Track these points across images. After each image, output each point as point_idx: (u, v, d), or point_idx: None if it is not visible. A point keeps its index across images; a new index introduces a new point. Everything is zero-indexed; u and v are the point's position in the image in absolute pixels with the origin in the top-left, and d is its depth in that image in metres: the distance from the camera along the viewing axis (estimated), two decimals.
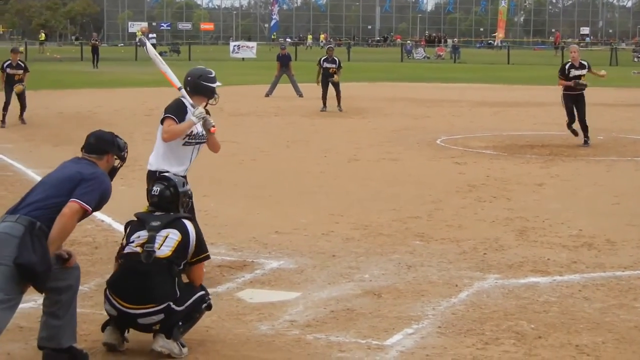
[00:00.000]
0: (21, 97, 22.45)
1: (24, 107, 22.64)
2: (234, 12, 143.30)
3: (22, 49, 72.17)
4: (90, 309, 7.59)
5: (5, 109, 22.29)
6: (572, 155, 17.85)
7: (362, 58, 69.78)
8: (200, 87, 8.32)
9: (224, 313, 7.58)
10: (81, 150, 6.74)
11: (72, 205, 6.13)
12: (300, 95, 32.60)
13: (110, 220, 11.08)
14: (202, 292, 6.80)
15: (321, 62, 27.90)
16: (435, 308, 7.76)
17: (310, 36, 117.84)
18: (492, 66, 61.92)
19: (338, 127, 22.96)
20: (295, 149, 18.69)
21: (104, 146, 6.67)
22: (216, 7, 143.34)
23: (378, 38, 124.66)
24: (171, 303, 6.51)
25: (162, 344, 6.54)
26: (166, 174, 7.30)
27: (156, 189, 6.96)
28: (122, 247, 6.83)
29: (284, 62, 34.13)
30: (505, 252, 9.80)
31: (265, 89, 33.33)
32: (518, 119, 25.58)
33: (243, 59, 69.01)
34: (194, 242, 6.70)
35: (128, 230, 6.88)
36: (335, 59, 27.91)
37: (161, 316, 6.51)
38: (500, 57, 72.36)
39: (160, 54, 77.76)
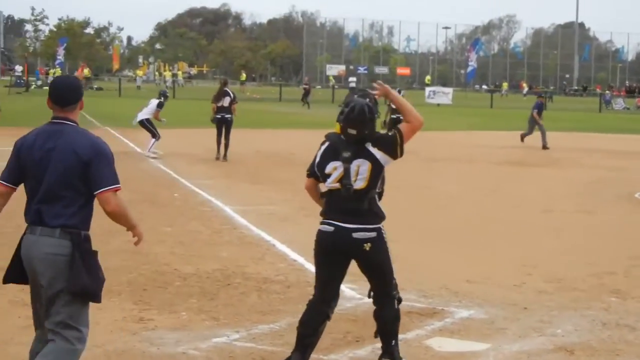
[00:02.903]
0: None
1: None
2: (430, 57, 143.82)
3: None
4: (281, 347, 7.69)
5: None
6: None
7: (560, 107, 68.68)
8: None
9: None
10: (50, 105, 6.05)
11: (110, 198, 5.83)
12: (546, 147, 30.56)
13: (302, 260, 11.24)
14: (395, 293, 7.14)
15: None
16: None
17: (505, 83, 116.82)
18: None
19: (531, 176, 22.63)
20: (487, 196, 18.51)
21: (79, 93, 6.08)
22: (413, 52, 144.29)
23: (576, 87, 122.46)
24: (381, 229, 6.85)
25: None
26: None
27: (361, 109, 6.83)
28: (312, 171, 7.18)
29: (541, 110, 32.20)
30: None
31: (460, 135, 33.15)
32: None
33: (438, 104, 68.99)
34: (380, 161, 6.83)
35: (322, 152, 7.10)
36: None
37: (373, 234, 6.80)
38: None
39: None
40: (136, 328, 8.18)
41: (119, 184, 5.88)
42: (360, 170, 6.78)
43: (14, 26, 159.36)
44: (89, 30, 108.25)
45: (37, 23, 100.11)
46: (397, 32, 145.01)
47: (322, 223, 6.99)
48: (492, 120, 46.28)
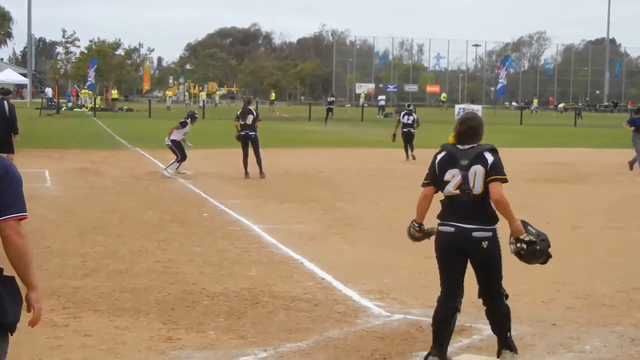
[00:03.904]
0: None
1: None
2: (460, 74, 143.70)
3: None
4: None
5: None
6: None
7: (589, 124, 68.37)
8: None
9: None
10: None
11: (13, 226, 5.01)
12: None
13: (330, 279, 11.26)
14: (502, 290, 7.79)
15: None
16: None
17: (535, 100, 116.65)
18: None
19: (562, 193, 22.52)
20: (517, 212, 18.36)
21: None
22: (443, 69, 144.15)
23: (606, 103, 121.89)
24: (496, 230, 7.50)
25: (510, 359, 7.70)
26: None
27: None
28: (432, 180, 7.67)
29: None
30: None
31: None
32: None
33: None
34: (489, 167, 7.46)
35: (439, 161, 7.66)
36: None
37: (490, 234, 7.45)
38: None
39: (386, 115, 79.02)
40: (164, 347, 8.22)
41: (26, 212, 5.11)
42: (477, 176, 7.45)
43: (45, 49, 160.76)
44: (120, 51, 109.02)
45: (68, 45, 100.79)
46: (427, 49, 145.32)
47: (441, 225, 7.64)
48: (522, 137, 46.13)
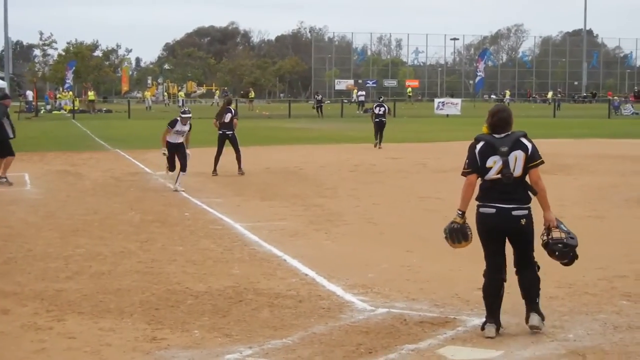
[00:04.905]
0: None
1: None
2: (439, 68, 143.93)
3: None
4: None
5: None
6: None
7: (568, 114, 68.56)
8: None
9: None
10: None
11: None
12: None
13: (314, 275, 11.27)
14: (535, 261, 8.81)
15: None
16: None
17: (508, 92, 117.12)
18: None
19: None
20: None
21: None
22: (421, 64, 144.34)
23: (585, 94, 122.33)
24: (530, 208, 8.45)
25: (537, 322, 8.52)
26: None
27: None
28: (474, 168, 8.48)
29: None
30: None
31: (468, 145, 33.09)
32: None
33: (447, 115, 68.99)
34: (530, 153, 8.36)
35: (479, 150, 8.47)
36: None
37: (527, 212, 8.43)
38: None
39: (366, 111, 79.39)
40: (149, 347, 8.22)
41: None
42: (517, 160, 8.31)
43: (22, 52, 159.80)
44: (98, 53, 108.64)
45: (46, 47, 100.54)
46: (406, 44, 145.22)
47: (482, 207, 8.56)
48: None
